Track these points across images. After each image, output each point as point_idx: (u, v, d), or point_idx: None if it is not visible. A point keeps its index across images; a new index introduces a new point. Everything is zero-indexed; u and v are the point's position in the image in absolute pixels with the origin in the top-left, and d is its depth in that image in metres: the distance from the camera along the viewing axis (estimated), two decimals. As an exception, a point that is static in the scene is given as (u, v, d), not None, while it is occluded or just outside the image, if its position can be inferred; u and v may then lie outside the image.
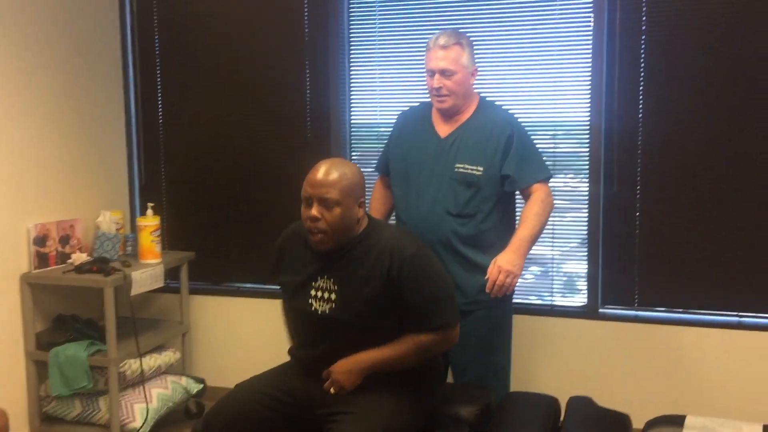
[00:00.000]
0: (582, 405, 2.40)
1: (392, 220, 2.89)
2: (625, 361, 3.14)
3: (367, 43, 3.44)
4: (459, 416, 2.34)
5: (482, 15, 3.23)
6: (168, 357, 3.41)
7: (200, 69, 3.65)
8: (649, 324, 3.11)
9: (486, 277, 2.46)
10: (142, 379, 3.23)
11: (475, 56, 2.66)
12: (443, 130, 2.67)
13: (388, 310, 2.14)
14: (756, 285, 2.98)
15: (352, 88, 3.48)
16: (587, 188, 3.16)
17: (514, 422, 2.32)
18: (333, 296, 2.17)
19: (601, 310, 3.19)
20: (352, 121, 3.50)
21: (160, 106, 3.75)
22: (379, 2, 3.38)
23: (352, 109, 3.50)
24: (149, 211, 3.43)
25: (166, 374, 3.41)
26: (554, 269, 3.28)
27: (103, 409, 3.17)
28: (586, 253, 3.20)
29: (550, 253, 3.25)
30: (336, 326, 2.17)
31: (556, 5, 3.14)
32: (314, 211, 2.10)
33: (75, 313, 3.34)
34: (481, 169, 2.57)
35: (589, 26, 3.09)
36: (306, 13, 3.47)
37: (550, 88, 3.19)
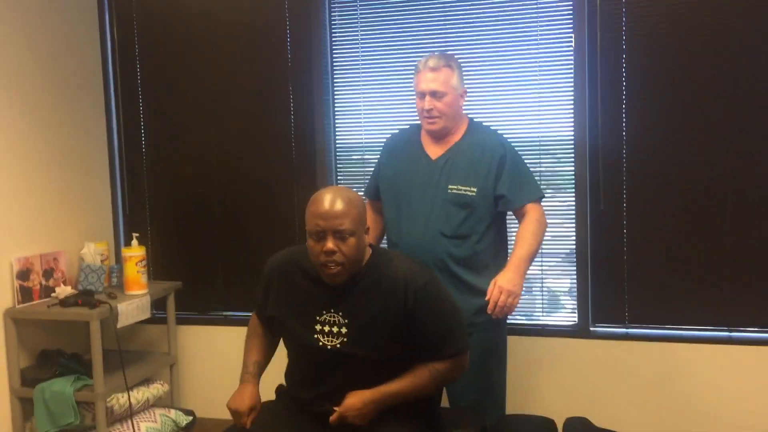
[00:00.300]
0: (579, 426, 2.39)
1: (383, 245, 2.87)
2: (619, 380, 3.13)
3: (350, 66, 3.44)
4: (455, 441, 2.32)
5: (464, 36, 3.25)
6: (156, 389, 3.36)
7: (183, 95, 3.64)
8: (640, 341, 3.11)
9: (486, 298, 2.44)
10: (130, 414, 3.17)
11: (463, 78, 2.67)
12: (434, 151, 2.66)
13: (403, 341, 2.09)
14: (745, 300, 2.99)
15: (336, 112, 3.48)
16: (574, 206, 3.17)
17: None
18: (343, 330, 2.10)
19: (592, 329, 3.18)
20: (338, 145, 3.50)
21: (142, 133, 3.72)
22: (362, 25, 3.39)
23: (336, 133, 3.49)
24: (134, 241, 3.39)
25: (155, 407, 3.35)
26: (543, 288, 3.28)
27: (92, 445, 3.11)
28: (574, 272, 3.20)
29: (538, 272, 3.25)
30: (348, 361, 2.09)
31: (536, 25, 3.16)
32: (330, 244, 2.02)
33: (60, 347, 3.28)
34: (474, 189, 2.57)
35: (570, 45, 3.11)
36: (288, 37, 3.47)
37: (533, 106, 3.20)
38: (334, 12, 3.42)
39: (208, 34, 3.57)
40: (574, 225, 3.18)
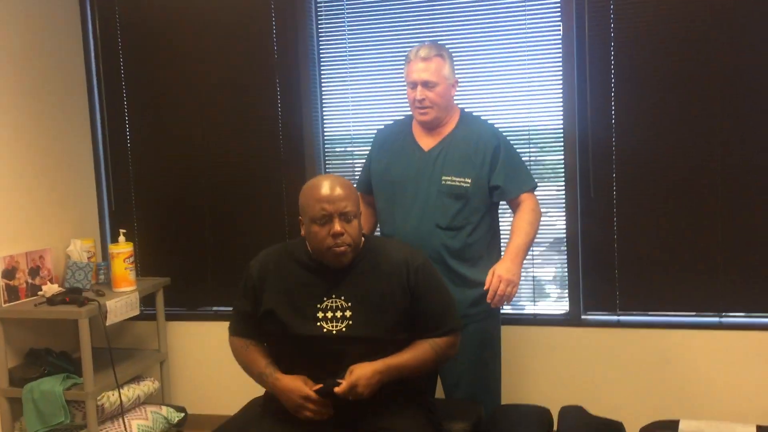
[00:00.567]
0: (574, 414, 2.38)
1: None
2: (612, 367, 3.14)
3: (337, 57, 3.41)
4: (452, 432, 2.32)
5: (452, 26, 3.23)
6: (147, 387, 3.33)
7: (168, 90, 3.59)
8: (631, 329, 3.13)
9: (486, 287, 2.43)
10: (121, 412, 3.14)
11: (454, 68, 2.66)
12: (426, 143, 2.65)
13: (406, 321, 2.14)
14: (735, 285, 3.01)
15: (323, 104, 3.45)
16: (564, 196, 3.17)
17: (509, 436, 2.29)
18: (348, 313, 2.11)
19: (583, 317, 3.19)
20: (326, 137, 3.47)
21: (127, 129, 3.67)
22: (348, 17, 3.36)
23: (324, 125, 3.47)
24: (121, 238, 3.35)
25: (146, 404, 3.32)
26: (534, 277, 3.28)
27: (82, 445, 3.07)
28: (565, 260, 3.20)
29: (530, 262, 3.25)
30: (355, 344, 2.08)
31: (524, 15, 3.15)
32: (338, 226, 2.06)
33: (47, 346, 3.24)
34: (469, 181, 2.55)
35: (559, 35, 3.11)
36: (274, 30, 3.43)
37: (522, 96, 3.20)
38: (320, 3, 3.39)
39: (193, 27, 3.53)
40: (564, 214, 3.18)
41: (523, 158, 3.16)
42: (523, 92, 3.20)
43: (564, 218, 3.19)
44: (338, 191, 2.09)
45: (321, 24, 3.41)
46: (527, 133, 3.22)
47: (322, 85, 3.45)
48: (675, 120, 3.03)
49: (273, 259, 2.23)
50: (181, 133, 3.60)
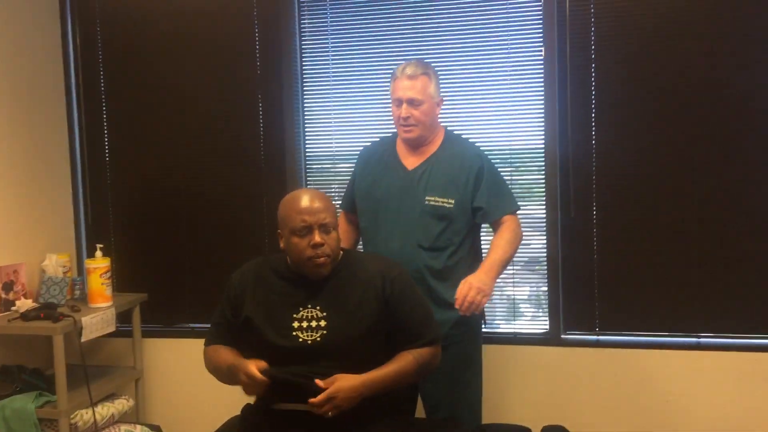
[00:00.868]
0: (556, 435, 2.38)
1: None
2: (591, 387, 3.15)
3: (320, 73, 3.41)
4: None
5: (435, 45, 3.25)
6: (121, 405, 3.27)
7: (148, 104, 3.56)
8: (611, 348, 3.14)
9: (456, 295, 2.40)
10: (95, 430, 3.07)
11: (440, 87, 2.68)
12: (410, 162, 2.65)
13: (381, 330, 2.16)
14: (713, 307, 3.04)
15: (306, 120, 3.45)
16: (545, 215, 3.19)
17: (491, 456, 2.28)
18: (322, 323, 2.13)
19: (563, 336, 3.20)
20: (307, 153, 3.46)
21: (106, 142, 3.63)
22: (332, 32, 3.37)
23: (306, 141, 3.46)
24: (98, 253, 3.30)
25: (120, 423, 3.26)
26: (514, 296, 3.28)
27: (54, 464, 3.00)
28: (545, 280, 3.21)
29: (509, 280, 3.26)
30: (328, 354, 2.10)
31: (506, 35, 3.18)
32: (318, 237, 2.11)
33: (20, 363, 3.17)
34: (452, 201, 2.55)
35: (540, 56, 3.14)
36: (257, 45, 3.43)
37: (504, 116, 3.22)
38: (304, 18, 3.40)
39: (175, 41, 3.51)
40: (545, 234, 3.19)
41: (504, 178, 3.20)
42: (504, 112, 3.21)
43: (544, 238, 3.20)
44: (317, 203, 2.15)
45: (304, 40, 3.41)
46: (508, 152, 3.23)
47: (305, 101, 3.44)
48: (654, 142, 3.06)
49: (253, 270, 2.28)
50: (161, 147, 3.56)
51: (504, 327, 3.31)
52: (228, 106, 3.48)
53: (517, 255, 3.20)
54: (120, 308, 3.31)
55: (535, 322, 3.28)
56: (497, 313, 3.33)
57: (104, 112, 3.63)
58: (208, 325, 3.45)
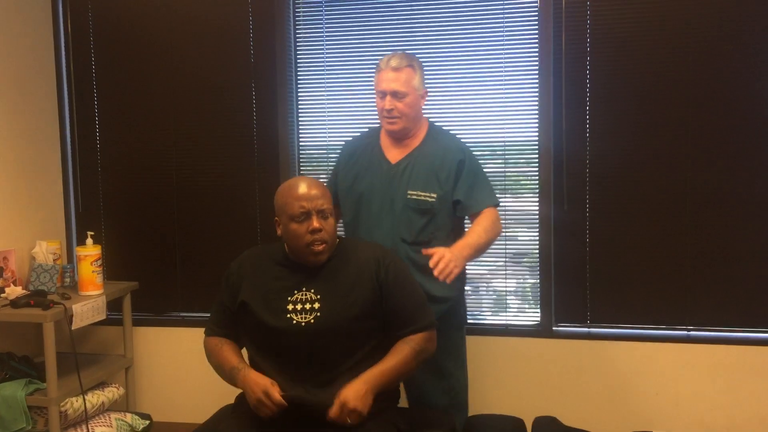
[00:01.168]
0: (548, 425, 2.40)
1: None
2: (583, 378, 3.17)
3: (314, 63, 3.40)
4: (426, 443, 2.31)
5: (430, 38, 3.24)
6: (111, 393, 3.25)
7: (140, 92, 3.54)
8: (602, 341, 3.16)
9: (433, 258, 2.30)
10: (85, 418, 3.06)
11: (426, 79, 2.67)
12: (393, 155, 2.64)
13: (375, 314, 2.18)
14: (703, 300, 3.06)
15: (300, 110, 3.43)
16: (538, 208, 3.20)
17: (483, 446, 2.29)
18: (316, 305, 2.15)
19: (554, 328, 3.22)
20: (301, 143, 3.45)
21: (97, 129, 3.60)
22: (327, 21, 3.35)
23: (300, 132, 3.45)
24: (89, 240, 3.27)
25: (110, 411, 3.24)
26: (506, 288, 3.30)
27: (44, 452, 2.98)
28: (537, 272, 3.23)
29: (502, 272, 3.27)
30: (321, 336, 2.11)
31: (502, 28, 3.18)
32: (316, 222, 2.15)
33: (9, 350, 3.14)
34: (434, 195, 2.55)
35: (536, 49, 3.14)
36: (251, 35, 3.41)
37: (498, 110, 3.22)
38: (299, 7, 3.38)
39: (168, 28, 3.48)
40: (537, 227, 3.20)
41: (498, 171, 3.22)
42: (499, 106, 3.22)
43: (537, 230, 3.21)
44: (315, 190, 2.19)
45: (299, 30, 3.39)
46: (502, 146, 3.24)
47: (299, 91, 3.43)
48: (648, 136, 3.08)
49: (251, 257, 2.33)
50: (153, 135, 3.54)
51: (495, 319, 3.32)
52: (221, 94, 3.46)
53: (509, 247, 3.25)
54: (110, 296, 3.29)
55: (526, 314, 3.29)
56: (488, 305, 3.34)
57: (95, 98, 3.60)
58: (199, 314, 3.53)
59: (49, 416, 2.93)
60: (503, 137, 3.24)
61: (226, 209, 3.49)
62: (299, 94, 3.43)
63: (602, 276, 3.16)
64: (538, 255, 3.22)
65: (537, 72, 3.15)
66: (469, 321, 3.17)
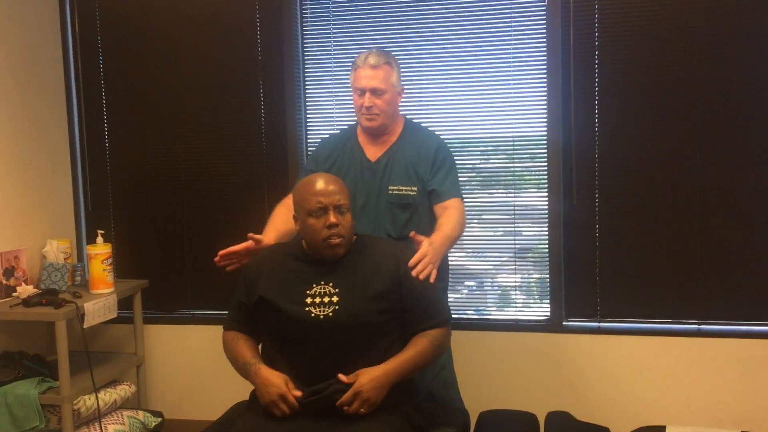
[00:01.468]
0: (561, 420, 2.41)
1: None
2: (593, 373, 3.17)
3: (321, 61, 3.39)
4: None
5: (438, 33, 3.24)
6: (123, 391, 3.27)
7: (148, 90, 3.54)
8: (612, 335, 3.15)
9: (416, 256, 2.26)
10: (98, 416, 3.07)
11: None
12: (372, 152, 2.67)
13: (392, 307, 2.19)
14: (713, 294, 3.06)
15: (307, 106, 3.43)
16: (547, 203, 3.20)
17: (497, 441, 2.30)
18: (335, 299, 2.16)
19: (564, 323, 3.22)
20: (309, 140, 3.45)
21: (105, 128, 3.61)
22: (334, 17, 3.35)
23: (308, 128, 3.45)
24: (99, 239, 3.28)
25: (122, 409, 3.26)
26: (517, 284, 3.30)
27: (57, 450, 3.00)
28: (547, 267, 3.23)
29: (512, 267, 3.28)
30: (340, 330, 2.12)
31: (510, 23, 3.17)
32: (333, 217, 2.17)
33: (21, 349, 3.16)
34: (415, 189, 2.59)
35: (544, 44, 3.13)
36: (258, 33, 3.41)
37: (507, 104, 3.22)
38: (306, 4, 3.38)
39: (175, 26, 3.48)
40: (547, 221, 3.20)
41: (507, 165, 3.22)
42: (507, 100, 3.21)
43: (546, 225, 3.21)
44: (332, 186, 2.22)
45: (306, 26, 3.39)
46: (511, 141, 3.24)
47: (306, 87, 3.43)
48: (657, 130, 3.07)
49: (269, 254, 2.35)
50: (161, 133, 3.55)
51: (506, 314, 3.32)
52: (229, 92, 3.46)
53: (517, 242, 3.25)
54: (121, 294, 3.29)
55: (536, 309, 3.29)
56: (497, 301, 3.34)
57: (103, 97, 3.60)
58: (209, 312, 3.55)
59: (62, 414, 2.95)
60: (512, 132, 3.23)
61: (234, 207, 3.49)
62: (307, 91, 3.43)
63: (612, 270, 3.16)
64: (547, 250, 3.22)
65: (545, 66, 3.14)
66: (476, 317, 3.18)
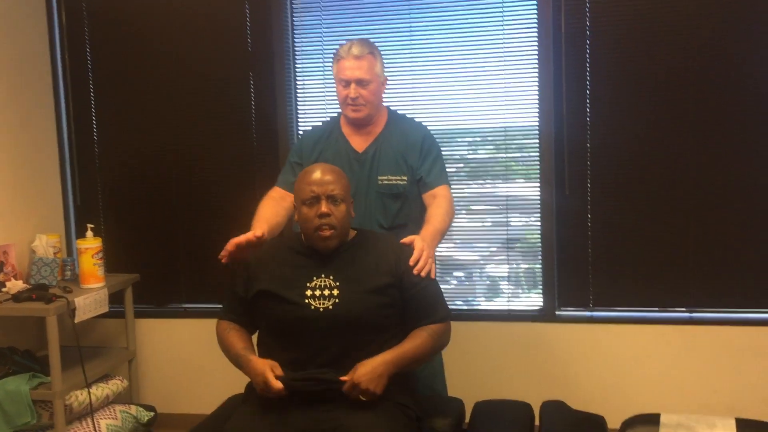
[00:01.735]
0: (556, 409, 2.40)
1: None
2: (586, 362, 3.18)
3: (312, 52, 3.37)
4: (434, 429, 2.31)
5: (430, 24, 3.23)
6: (115, 385, 3.25)
7: (137, 82, 3.51)
8: (605, 324, 3.17)
9: (414, 256, 2.26)
10: (90, 411, 3.05)
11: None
12: (358, 143, 2.65)
13: (392, 302, 2.18)
14: (704, 282, 3.08)
15: (298, 99, 3.41)
16: (539, 194, 3.20)
17: (493, 431, 2.30)
18: (335, 292, 2.15)
19: (557, 313, 3.23)
20: (300, 134, 3.43)
21: (94, 120, 3.58)
22: (324, 11, 3.33)
23: (299, 120, 3.43)
24: (89, 233, 3.25)
25: (114, 404, 3.24)
26: (509, 274, 3.30)
27: (49, 446, 2.98)
28: (538, 257, 3.23)
29: (504, 257, 3.28)
30: (339, 322, 2.11)
31: (501, 14, 3.16)
32: (324, 207, 2.15)
33: (11, 344, 3.13)
34: (405, 178, 2.59)
35: (535, 35, 3.13)
36: (248, 25, 3.38)
37: (498, 96, 3.21)
38: (296, -4, 3.36)
39: (163, 19, 3.45)
40: (539, 212, 3.21)
41: (499, 156, 3.22)
42: (499, 91, 3.21)
43: (538, 216, 3.21)
44: (328, 176, 2.19)
45: (296, 17, 3.37)
46: (503, 131, 3.23)
47: (297, 79, 3.41)
48: (649, 120, 3.08)
49: (269, 247, 2.33)
50: (151, 126, 3.52)
51: (495, 305, 3.32)
52: (218, 84, 3.43)
53: (510, 233, 3.26)
54: (111, 289, 3.27)
55: (526, 299, 3.30)
56: (487, 291, 3.34)
57: (91, 90, 3.57)
58: (201, 305, 3.53)
59: (54, 410, 2.92)
60: (504, 123, 3.23)
61: (225, 199, 3.47)
62: (297, 84, 3.41)
63: (604, 260, 3.17)
64: (538, 240, 3.22)
65: (537, 57, 3.14)
66: (468, 307, 3.17)
